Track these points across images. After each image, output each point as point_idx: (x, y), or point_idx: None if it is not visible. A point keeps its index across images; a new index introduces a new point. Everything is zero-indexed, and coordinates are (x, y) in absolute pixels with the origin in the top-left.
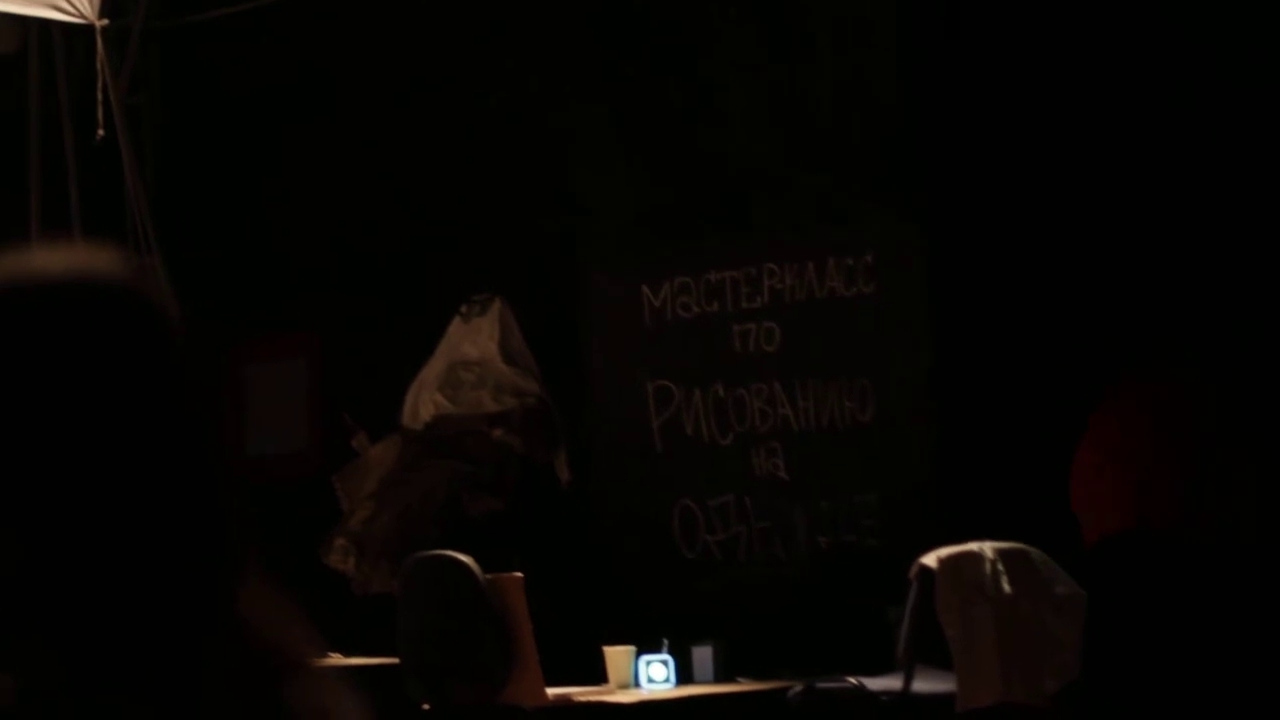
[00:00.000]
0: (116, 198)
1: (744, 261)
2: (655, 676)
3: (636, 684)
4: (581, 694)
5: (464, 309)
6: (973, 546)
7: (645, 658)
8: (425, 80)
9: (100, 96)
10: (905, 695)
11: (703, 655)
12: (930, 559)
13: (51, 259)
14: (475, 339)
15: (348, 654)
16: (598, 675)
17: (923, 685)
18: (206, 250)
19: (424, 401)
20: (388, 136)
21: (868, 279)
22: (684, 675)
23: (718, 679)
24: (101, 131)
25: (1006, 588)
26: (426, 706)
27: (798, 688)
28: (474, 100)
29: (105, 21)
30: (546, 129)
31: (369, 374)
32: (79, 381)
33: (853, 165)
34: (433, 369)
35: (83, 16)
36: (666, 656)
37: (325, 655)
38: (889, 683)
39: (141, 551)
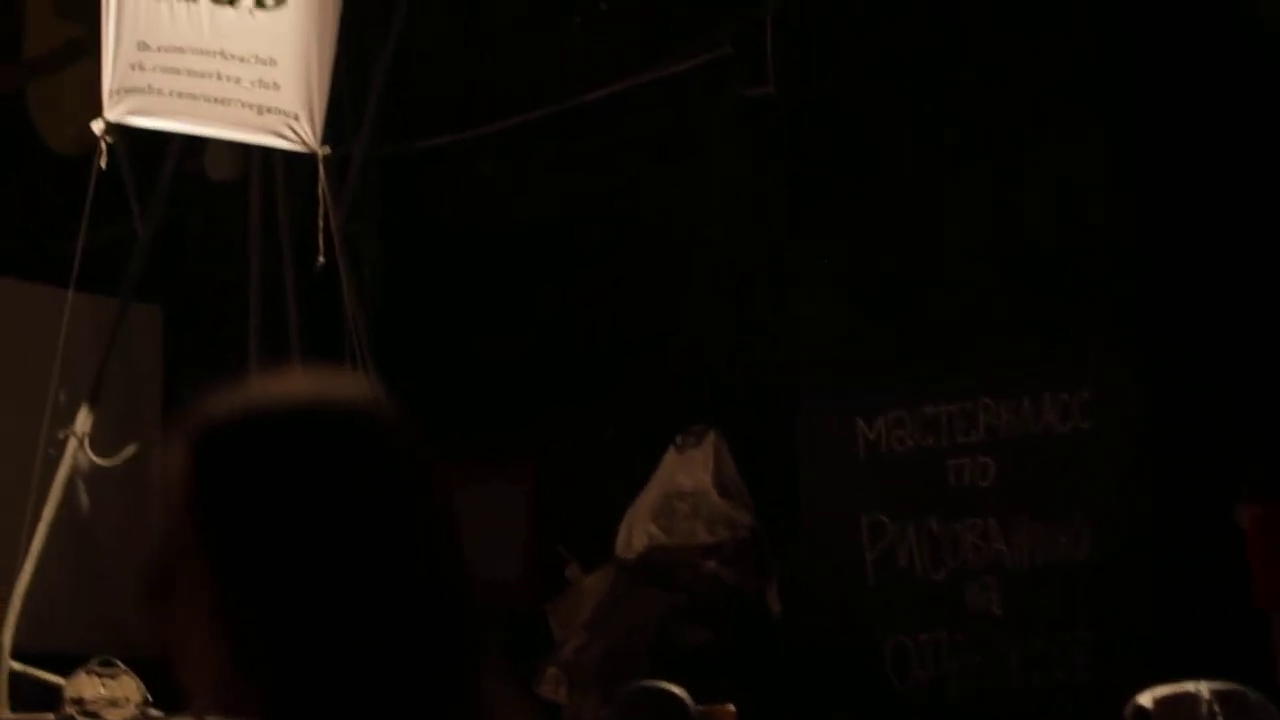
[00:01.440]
0: (335, 324)
1: (960, 396)
2: None
3: None
4: None
5: (679, 440)
6: (1189, 686)
7: None
8: (642, 214)
9: (320, 223)
10: None
11: None
12: (1145, 698)
13: (299, 383)
14: (690, 470)
15: None
16: None
17: None
18: (425, 377)
19: (638, 532)
20: (603, 268)
21: (1083, 415)
22: None
23: None
24: (321, 258)
25: None
26: None
27: None
28: (691, 234)
29: (327, 150)
30: (765, 262)
31: (584, 503)
32: (327, 493)
33: (1070, 302)
34: (647, 499)
35: (305, 144)
36: None
37: None
38: None
39: (382, 647)
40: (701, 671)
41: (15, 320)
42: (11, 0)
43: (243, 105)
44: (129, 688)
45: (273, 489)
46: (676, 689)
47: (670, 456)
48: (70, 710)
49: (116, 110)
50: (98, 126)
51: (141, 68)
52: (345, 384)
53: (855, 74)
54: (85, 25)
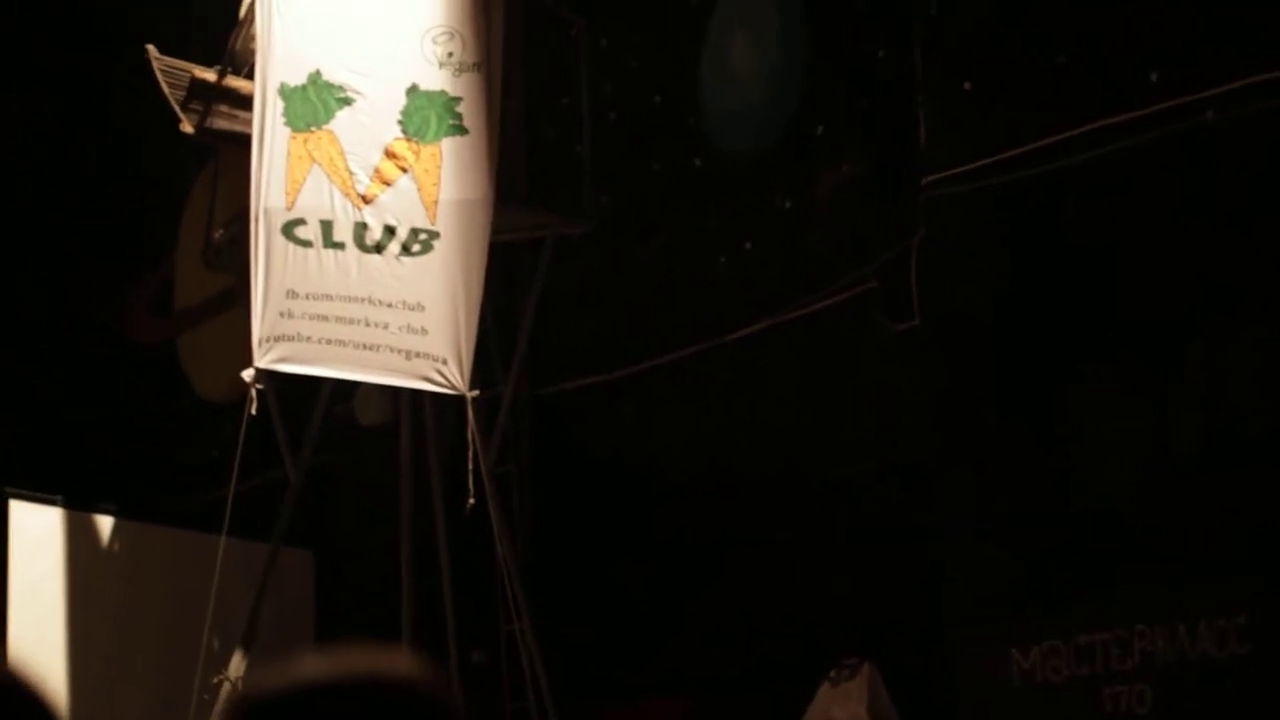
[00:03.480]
0: (486, 564)
1: (1114, 623)
2: None
3: None
4: None
5: (834, 673)
6: None
7: None
8: (790, 447)
9: (470, 465)
10: None
11: None
12: None
13: (355, 661)
14: (844, 703)
15: None
16: None
17: None
18: (577, 617)
19: None
20: (752, 500)
21: (1240, 641)
22: None
23: None
24: (472, 500)
25: None
26: None
27: None
28: (842, 466)
29: (476, 392)
30: (916, 493)
31: None
32: None
33: (1222, 524)
34: None
35: (453, 388)
36: None
37: None
38: None
39: None
40: None
41: (169, 567)
42: (161, 254)
43: (391, 350)
44: None
45: None
46: None
47: (825, 690)
48: None
49: (266, 358)
50: (248, 375)
51: (290, 315)
52: (402, 664)
53: (1001, 305)
54: (234, 275)
